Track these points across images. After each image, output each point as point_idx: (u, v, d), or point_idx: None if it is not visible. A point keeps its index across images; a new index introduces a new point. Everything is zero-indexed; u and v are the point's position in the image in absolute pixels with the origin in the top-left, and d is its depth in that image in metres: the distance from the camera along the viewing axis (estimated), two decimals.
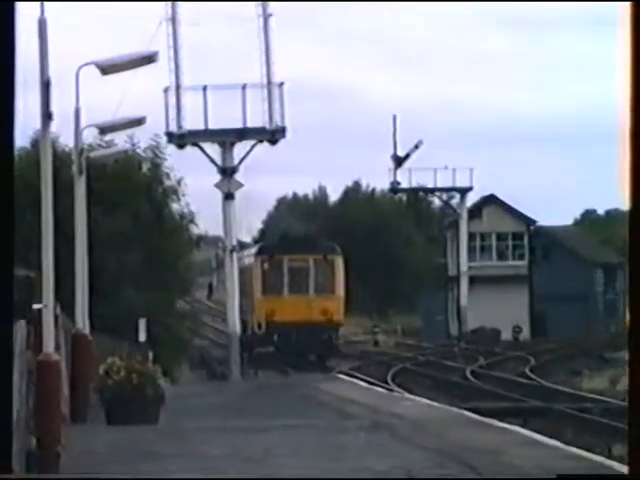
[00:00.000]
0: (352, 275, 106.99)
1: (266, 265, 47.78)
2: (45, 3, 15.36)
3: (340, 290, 48.53)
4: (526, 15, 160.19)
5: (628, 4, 5.90)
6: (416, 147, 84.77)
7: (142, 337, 35.02)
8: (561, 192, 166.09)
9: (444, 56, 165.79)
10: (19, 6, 6.30)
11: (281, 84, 49.94)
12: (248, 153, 49.61)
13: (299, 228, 72.07)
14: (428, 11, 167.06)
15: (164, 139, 47.32)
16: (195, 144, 49.64)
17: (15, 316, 14.19)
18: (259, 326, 49.09)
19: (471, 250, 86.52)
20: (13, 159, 5.98)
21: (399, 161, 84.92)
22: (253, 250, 50.69)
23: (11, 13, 6.10)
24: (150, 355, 32.72)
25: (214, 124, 49.85)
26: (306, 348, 49.31)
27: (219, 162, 49.40)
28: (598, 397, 37.86)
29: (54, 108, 15.74)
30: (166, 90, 49.79)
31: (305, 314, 47.10)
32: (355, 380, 39.91)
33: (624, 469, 16.35)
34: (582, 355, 63.31)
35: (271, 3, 50.60)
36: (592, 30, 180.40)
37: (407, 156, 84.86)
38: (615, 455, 22.71)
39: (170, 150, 47.22)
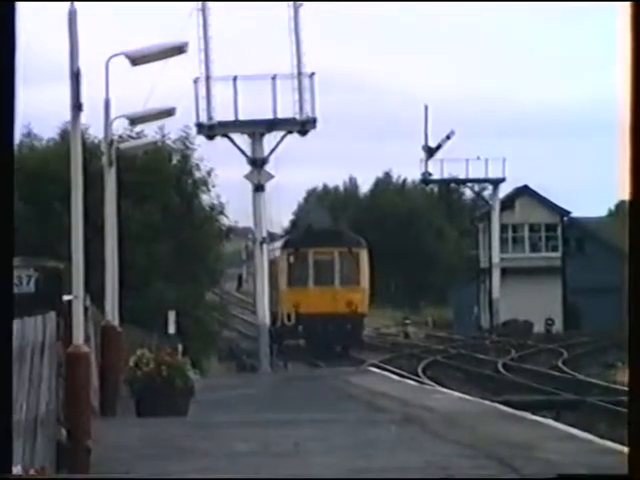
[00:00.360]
0: (383, 267, 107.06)
1: (292, 258, 48.47)
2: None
3: (365, 282, 49.58)
4: (559, 5, 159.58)
5: (628, 4, 5.83)
6: (448, 137, 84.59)
7: (171, 329, 35.10)
8: (595, 183, 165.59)
9: (475, 47, 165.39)
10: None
11: (312, 74, 49.90)
12: (278, 144, 49.60)
13: (329, 220, 72.30)
14: (459, 4, 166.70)
15: (194, 130, 47.36)
16: (225, 135, 49.64)
17: (45, 307, 14.24)
18: (288, 317, 49.89)
19: (503, 242, 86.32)
20: (13, 156, 5.90)
21: (431, 152, 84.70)
22: (279, 243, 51.12)
23: (11, 13, 6.05)
24: (179, 347, 32.82)
25: (244, 115, 49.86)
26: (331, 339, 49.88)
27: (249, 153, 49.39)
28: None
29: (84, 99, 15.75)
30: (196, 81, 49.80)
31: (330, 306, 47.76)
32: (386, 373, 39.87)
33: None
34: (616, 348, 63.02)
35: None
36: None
37: (439, 146, 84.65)
38: None
39: (200, 141, 47.27)
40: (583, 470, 15.07)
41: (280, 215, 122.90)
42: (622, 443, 19.70)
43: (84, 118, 17.03)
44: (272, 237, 54.67)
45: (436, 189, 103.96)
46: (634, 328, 5.64)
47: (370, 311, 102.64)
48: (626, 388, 34.89)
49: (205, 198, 44.78)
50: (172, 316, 35.23)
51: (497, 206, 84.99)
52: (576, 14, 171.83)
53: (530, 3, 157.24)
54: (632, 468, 5.78)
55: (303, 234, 49.70)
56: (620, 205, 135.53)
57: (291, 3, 50.45)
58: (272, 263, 49.46)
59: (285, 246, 50.83)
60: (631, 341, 5.66)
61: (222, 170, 47.53)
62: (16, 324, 12.09)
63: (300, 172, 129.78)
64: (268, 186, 49.82)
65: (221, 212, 45.40)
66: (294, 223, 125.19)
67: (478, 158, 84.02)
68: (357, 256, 49.04)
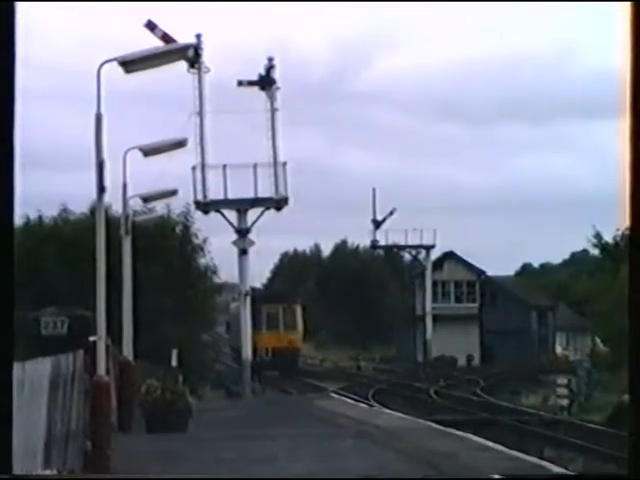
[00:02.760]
0: (340, 314, 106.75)
1: (253, 311, 52.54)
2: (102, 100, 15.45)
3: (299, 327, 55.54)
4: (469, 109, 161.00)
5: (628, 4, 5.03)
6: (391, 213, 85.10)
7: (174, 363, 34.84)
8: (505, 249, 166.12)
9: (412, 140, 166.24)
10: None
11: (284, 163, 50.19)
12: (259, 217, 49.73)
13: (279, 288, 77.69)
14: (396, 105, 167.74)
15: (193, 207, 47.42)
16: (217, 210, 49.73)
17: (75, 346, 14.19)
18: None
19: (434, 295, 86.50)
20: (13, 159, 5.16)
21: (377, 224, 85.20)
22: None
23: (11, 13, 5.20)
24: (180, 377, 32.54)
25: (232, 194, 49.96)
26: (278, 366, 54.82)
27: (236, 224, 49.50)
28: (533, 411, 37.74)
29: (107, 182, 15.81)
30: (194, 168, 49.97)
31: (277, 342, 53.58)
32: (343, 398, 39.67)
33: (555, 468, 16.30)
34: (521, 378, 63.05)
35: (277, 99, 51.02)
36: (523, 123, 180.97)
37: (384, 220, 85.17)
38: (546, 457, 22.62)
39: (197, 215, 47.31)
40: (496, 473, 15.05)
41: (260, 273, 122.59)
42: (525, 452, 19.73)
43: (107, 197, 17.07)
44: (254, 290, 54.87)
45: (382, 253, 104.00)
46: (634, 331, 4.93)
47: (330, 349, 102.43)
48: (529, 410, 35.08)
49: (201, 261, 44.74)
50: (175, 353, 35.00)
51: (429, 267, 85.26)
52: (486, 117, 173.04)
53: (450, 108, 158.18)
54: (632, 468, 5.06)
55: (259, 295, 52.12)
56: (524, 267, 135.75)
57: (269, 108, 50.79)
58: (237, 314, 52.91)
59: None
60: (631, 342, 4.96)
61: (215, 238, 47.62)
62: (52, 359, 12.06)
63: (276, 240, 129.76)
64: (251, 251, 49.94)
65: (214, 272, 45.38)
66: (271, 280, 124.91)
67: (414, 229, 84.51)
68: (294, 310, 55.10)
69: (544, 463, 17.21)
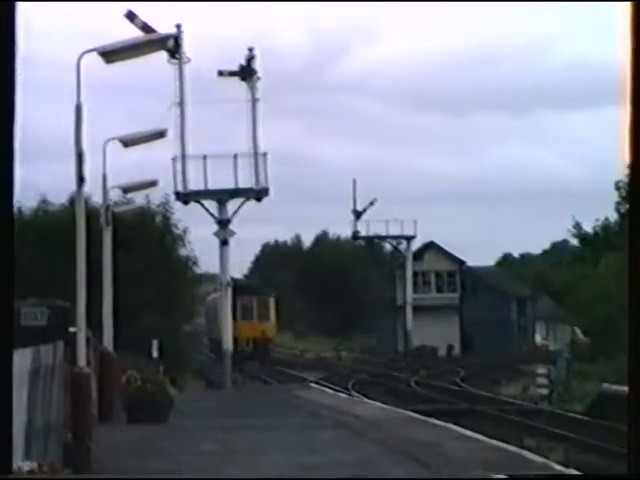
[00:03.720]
0: (321, 305, 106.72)
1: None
2: (82, 91, 15.38)
3: (272, 318, 57.74)
4: (448, 99, 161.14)
5: (628, 4, 5.00)
6: (371, 204, 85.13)
7: (155, 354, 34.79)
8: (485, 239, 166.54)
9: (392, 130, 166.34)
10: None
11: (265, 154, 50.13)
12: (239, 208, 49.67)
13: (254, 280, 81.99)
14: (376, 95, 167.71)
15: (173, 197, 47.32)
16: (197, 201, 49.64)
17: (55, 337, 14.15)
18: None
19: (415, 285, 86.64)
20: (13, 161, 5.16)
21: (358, 214, 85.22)
22: (218, 294, 56.31)
23: (11, 13, 5.21)
24: (161, 368, 32.51)
25: (212, 185, 49.89)
26: (253, 354, 57.15)
27: (216, 215, 49.44)
28: (513, 400, 37.85)
29: (87, 173, 15.75)
30: (174, 159, 49.84)
31: (252, 332, 55.42)
32: (323, 388, 39.70)
33: (535, 457, 16.36)
34: (501, 368, 63.24)
35: (258, 89, 50.98)
36: (502, 109, 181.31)
37: (364, 211, 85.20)
38: (526, 446, 22.69)
39: (177, 206, 47.23)
40: (478, 461, 15.09)
41: (241, 264, 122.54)
42: (505, 441, 19.78)
43: (87, 188, 17.01)
44: (235, 281, 54.98)
45: (363, 244, 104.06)
46: (634, 328, 4.87)
47: (310, 340, 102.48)
48: (508, 399, 35.14)
49: (182, 251, 44.66)
50: (155, 343, 34.94)
51: (410, 257, 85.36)
52: (463, 105, 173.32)
53: (428, 96, 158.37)
54: (632, 468, 5.01)
55: (235, 287, 52.67)
56: (505, 257, 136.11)
57: (249, 99, 50.71)
58: (212, 306, 55.86)
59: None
60: (631, 340, 4.90)
61: (195, 229, 47.57)
62: (32, 350, 12.02)
63: (256, 230, 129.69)
64: (232, 241, 49.84)
65: (194, 262, 45.31)
66: (252, 271, 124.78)
67: (395, 220, 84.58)
68: (267, 302, 57.38)
69: (524, 452, 17.27)
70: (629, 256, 5.03)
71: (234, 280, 54.63)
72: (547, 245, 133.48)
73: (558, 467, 15.12)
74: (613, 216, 66.78)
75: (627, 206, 64.84)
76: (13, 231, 5.14)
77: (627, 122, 4.97)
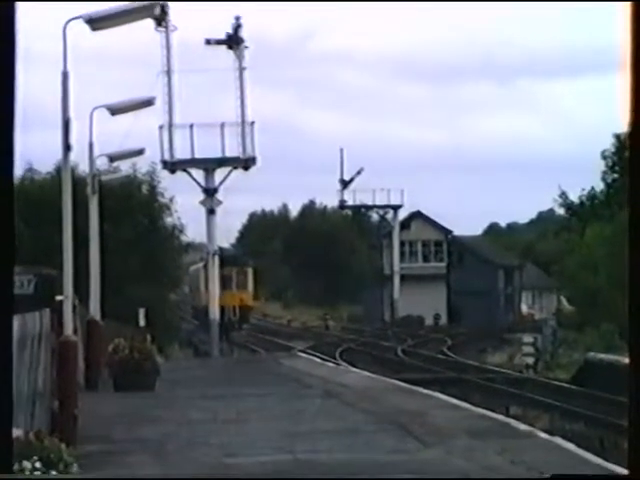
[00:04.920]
0: (308, 274, 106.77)
1: (208, 273, 56.17)
2: (68, 58, 15.27)
3: (250, 287, 61.24)
4: (434, 68, 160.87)
5: (628, 4, 4.92)
6: (358, 173, 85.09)
7: (142, 322, 34.79)
8: (472, 208, 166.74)
9: (378, 100, 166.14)
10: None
11: (252, 123, 50.02)
12: (226, 177, 49.60)
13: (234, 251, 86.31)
14: (361, 64, 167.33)
15: (159, 166, 47.20)
16: (184, 170, 49.55)
17: (42, 305, 14.10)
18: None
19: (402, 254, 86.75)
20: (14, 154, 5.03)
21: (345, 184, 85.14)
22: (201, 264, 58.79)
23: (11, 13, 5.15)
24: (148, 337, 32.51)
25: (199, 154, 49.77)
26: (234, 319, 59.74)
27: (203, 184, 49.35)
28: (499, 369, 38.00)
29: (73, 141, 15.67)
30: (161, 127, 49.67)
31: (231, 301, 57.90)
32: (310, 357, 39.78)
33: (520, 425, 16.43)
34: (487, 337, 63.47)
35: (246, 58, 50.81)
36: (488, 79, 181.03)
37: (351, 180, 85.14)
38: (512, 414, 22.79)
39: (164, 175, 47.12)
40: (464, 429, 15.13)
41: (228, 233, 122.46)
42: (491, 410, 19.85)
43: (73, 156, 16.92)
44: (221, 250, 55.22)
45: (350, 213, 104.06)
46: (634, 327, 4.81)
47: (298, 309, 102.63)
48: (494, 368, 35.21)
49: (168, 220, 44.57)
50: (142, 312, 34.92)
51: (397, 226, 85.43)
52: (454, 74, 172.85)
53: (419, 66, 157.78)
54: (632, 468, 4.92)
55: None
56: (491, 226, 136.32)
57: (237, 67, 50.52)
58: (195, 276, 58.72)
59: (205, 266, 57.89)
60: (631, 338, 4.82)
61: (182, 198, 47.51)
62: (18, 318, 11.99)
63: (243, 199, 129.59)
64: (218, 210, 49.81)
65: (181, 231, 45.26)
66: (239, 240, 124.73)
67: (382, 189, 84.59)
68: (246, 272, 60.48)
69: (510, 420, 17.34)
70: (629, 236, 4.97)
71: (221, 249, 55.10)
72: (534, 215, 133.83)
73: (543, 435, 15.18)
74: (599, 186, 66.85)
75: (615, 176, 64.90)
76: (12, 197, 5.11)
77: (628, 121, 4.91)
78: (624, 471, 12.14)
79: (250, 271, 62.07)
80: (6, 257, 5.13)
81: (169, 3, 48.66)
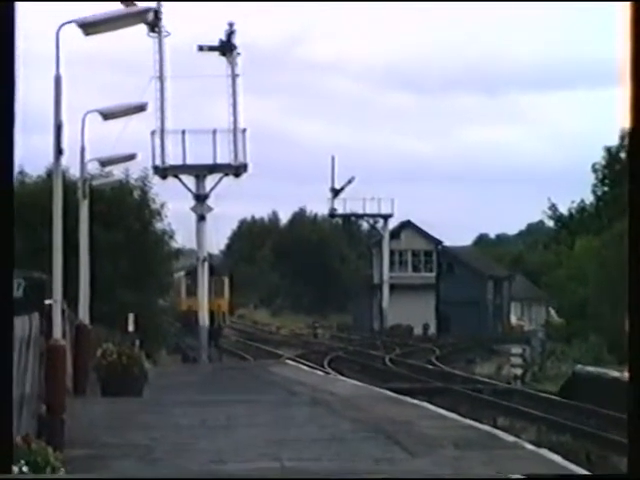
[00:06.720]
0: (298, 282, 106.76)
1: (188, 281, 60.55)
2: (61, 62, 15.27)
3: (226, 295, 64.68)
4: (424, 78, 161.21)
5: (628, 4, 4.92)
6: (349, 182, 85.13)
7: (131, 328, 34.75)
8: (461, 219, 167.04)
9: (368, 109, 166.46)
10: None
11: (244, 130, 50.07)
12: (217, 183, 49.66)
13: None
14: (352, 73, 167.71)
15: (151, 171, 47.15)
16: (175, 176, 49.57)
17: (31, 309, 14.07)
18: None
19: (391, 264, 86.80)
20: (13, 156, 5.09)
21: (336, 192, 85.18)
22: (182, 273, 62.49)
23: (11, 13, 5.17)
24: (137, 342, 32.47)
25: (190, 160, 49.82)
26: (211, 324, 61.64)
27: (194, 190, 49.36)
28: (487, 380, 38.04)
29: (65, 145, 15.66)
30: (153, 133, 49.70)
31: (209, 307, 59.15)
32: (299, 365, 39.77)
33: (508, 437, 16.45)
34: (475, 347, 63.55)
35: (238, 65, 50.84)
36: (478, 90, 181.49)
37: (342, 189, 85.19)
38: (499, 425, 22.81)
39: (156, 180, 47.07)
40: (450, 439, 15.15)
41: (218, 239, 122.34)
42: (478, 421, 19.88)
43: (64, 160, 16.91)
44: (211, 257, 55.50)
45: (340, 222, 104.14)
46: (634, 327, 4.74)
47: (287, 317, 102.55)
48: (482, 379, 35.34)
49: (159, 225, 44.51)
50: (131, 317, 34.89)
51: (387, 236, 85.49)
52: (440, 86, 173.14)
53: (404, 76, 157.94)
54: (632, 468, 4.92)
55: (194, 268, 57.12)
56: (481, 237, 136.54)
57: (229, 74, 50.55)
58: (179, 282, 61.51)
59: (186, 274, 62.10)
60: (631, 341, 4.78)
61: (173, 203, 47.43)
62: None
63: (234, 206, 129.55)
64: (209, 217, 49.80)
65: (171, 237, 45.17)
66: (229, 247, 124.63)
67: (372, 198, 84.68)
68: (222, 281, 63.38)
69: (497, 432, 17.36)
70: (629, 243, 4.98)
71: (210, 256, 55.44)
72: (523, 226, 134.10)
73: (529, 446, 15.21)
74: (589, 198, 67.03)
75: (605, 189, 65.05)
76: (12, 200, 5.11)
77: (629, 121, 4.91)
78: None
79: (227, 280, 65.84)
80: (6, 261, 5.13)
81: (162, 9, 48.73)
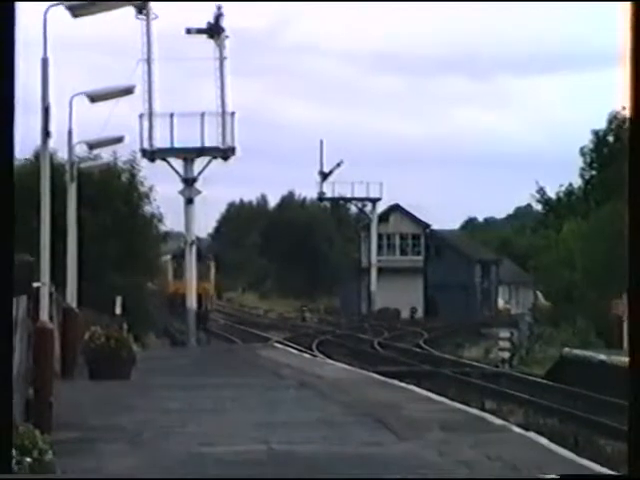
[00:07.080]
0: (286, 266, 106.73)
1: (175, 264, 62.38)
2: (48, 45, 15.20)
3: (212, 278, 66.45)
4: (414, 61, 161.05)
5: (628, 4, 4.88)
6: (338, 165, 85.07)
7: (118, 311, 34.71)
8: (450, 203, 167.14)
9: (356, 92, 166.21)
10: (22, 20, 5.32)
11: (232, 113, 49.96)
12: (205, 167, 49.57)
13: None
14: (343, 55, 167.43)
15: (139, 154, 47.06)
16: (163, 159, 49.46)
17: (18, 292, 14.02)
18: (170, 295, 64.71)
19: (379, 247, 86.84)
20: (13, 146, 5.24)
21: (324, 176, 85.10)
22: (169, 256, 63.74)
23: (11, 13, 5.14)
24: (124, 325, 32.45)
25: (178, 143, 49.70)
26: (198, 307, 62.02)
27: (182, 173, 49.26)
28: (475, 363, 38.13)
29: (52, 128, 15.60)
30: (141, 116, 49.57)
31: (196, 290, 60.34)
32: (287, 348, 39.80)
33: (496, 420, 16.49)
34: (463, 331, 63.66)
35: (226, 47, 50.73)
36: (466, 74, 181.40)
37: (330, 172, 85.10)
38: (487, 409, 22.88)
39: (144, 163, 46.99)
40: (438, 422, 15.18)
41: (206, 223, 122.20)
42: (466, 404, 19.92)
43: (52, 143, 16.85)
44: (199, 240, 55.48)
45: (329, 205, 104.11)
46: (634, 326, 4.69)
47: (275, 300, 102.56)
48: (470, 362, 35.36)
49: (147, 208, 44.44)
50: (119, 300, 34.85)
51: (375, 219, 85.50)
52: (430, 67, 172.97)
53: (397, 58, 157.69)
54: (632, 468, 4.86)
55: (180, 252, 58.15)
56: (469, 221, 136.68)
57: (218, 56, 50.39)
58: (164, 266, 62.40)
59: (172, 258, 63.65)
60: (631, 339, 4.72)
61: (161, 187, 47.38)
62: None
63: (222, 189, 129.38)
64: (197, 200, 49.74)
65: (159, 220, 45.12)
66: (217, 229, 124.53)
67: (361, 182, 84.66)
68: (208, 265, 64.98)
69: (485, 415, 17.40)
70: (629, 237, 4.81)
71: (199, 239, 55.52)
72: (511, 210, 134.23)
73: (517, 429, 15.25)
74: (577, 182, 67.09)
75: (593, 172, 65.05)
76: (12, 183, 5.12)
77: (629, 120, 4.88)
78: (597, 466, 12.21)
79: (212, 264, 67.31)
80: (6, 245, 5.10)
81: None
